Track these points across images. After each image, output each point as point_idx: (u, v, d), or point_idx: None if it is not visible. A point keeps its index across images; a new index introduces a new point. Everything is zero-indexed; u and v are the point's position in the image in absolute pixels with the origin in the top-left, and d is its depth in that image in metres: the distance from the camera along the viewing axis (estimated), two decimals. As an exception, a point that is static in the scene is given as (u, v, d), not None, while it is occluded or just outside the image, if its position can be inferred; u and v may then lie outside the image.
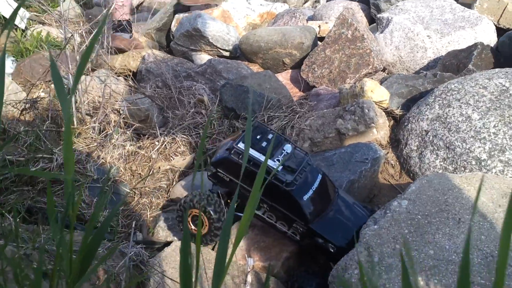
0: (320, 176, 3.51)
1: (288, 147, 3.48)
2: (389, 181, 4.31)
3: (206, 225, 3.54)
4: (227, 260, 1.23)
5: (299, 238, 3.51)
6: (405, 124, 4.50)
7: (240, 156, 3.41)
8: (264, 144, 3.41)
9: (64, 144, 1.20)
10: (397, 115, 4.73)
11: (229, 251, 1.30)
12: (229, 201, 3.67)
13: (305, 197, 3.34)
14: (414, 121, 4.41)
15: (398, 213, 3.14)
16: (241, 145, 3.44)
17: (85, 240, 1.25)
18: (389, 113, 4.74)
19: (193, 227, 3.61)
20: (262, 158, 3.36)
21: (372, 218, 3.29)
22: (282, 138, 3.57)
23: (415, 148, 4.29)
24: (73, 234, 1.28)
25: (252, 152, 3.37)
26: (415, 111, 4.49)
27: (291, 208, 3.37)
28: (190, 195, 3.60)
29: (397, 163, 4.42)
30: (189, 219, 3.63)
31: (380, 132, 4.49)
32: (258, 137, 3.46)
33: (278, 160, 3.38)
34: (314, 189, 3.40)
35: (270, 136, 3.49)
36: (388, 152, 4.48)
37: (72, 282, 1.23)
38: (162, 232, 3.91)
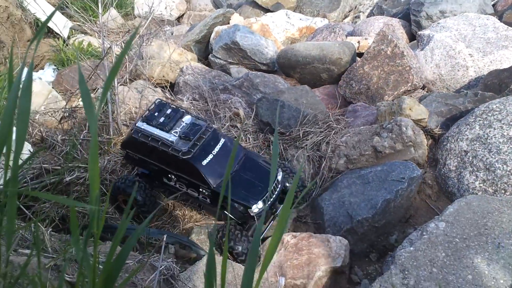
0: (222, 141, 3.80)
1: (187, 119, 3.78)
2: (426, 202, 4.21)
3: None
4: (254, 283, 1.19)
5: (210, 202, 3.77)
6: (444, 143, 4.40)
7: (140, 134, 3.70)
8: (162, 119, 3.72)
9: (90, 161, 1.18)
10: (435, 134, 4.63)
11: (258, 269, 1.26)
12: (158, 182, 3.96)
13: (204, 162, 3.62)
14: (453, 141, 4.31)
15: (435, 235, 3.05)
16: (139, 124, 3.74)
17: (109, 258, 1.22)
18: (427, 132, 4.64)
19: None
20: (159, 133, 3.66)
21: (408, 240, 3.21)
22: (182, 111, 3.84)
23: (454, 168, 4.19)
24: (97, 251, 1.26)
25: (151, 129, 3.68)
26: (454, 131, 4.39)
27: (193, 175, 3.65)
28: (119, 181, 3.92)
29: (435, 183, 4.32)
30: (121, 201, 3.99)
31: (418, 151, 4.40)
32: (156, 114, 3.76)
33: (176, 133, 3.66)
34: (214, 154, 3.68)
35: (168, 111, 3.78)
36: (425, 172, 4.38)
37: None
38: (193, 246, 3.89)
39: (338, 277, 3.71)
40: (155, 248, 3.32)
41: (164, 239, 3.07)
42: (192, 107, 5.24)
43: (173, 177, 3.77)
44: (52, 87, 6.23)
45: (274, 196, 3.77)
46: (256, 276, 1.21)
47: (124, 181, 3.88)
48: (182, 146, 3.60)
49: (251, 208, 3.62)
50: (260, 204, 3.64)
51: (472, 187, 4.01)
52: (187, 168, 3.63)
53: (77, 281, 1.30)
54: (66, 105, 5.55)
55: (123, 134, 4.66)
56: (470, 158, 4.10)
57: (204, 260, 3.36)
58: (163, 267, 2.92)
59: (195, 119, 3.80)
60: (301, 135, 4.79)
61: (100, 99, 1.52)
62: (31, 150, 4.14)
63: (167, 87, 6.01)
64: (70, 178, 3.97)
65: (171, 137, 3.63)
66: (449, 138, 4.38)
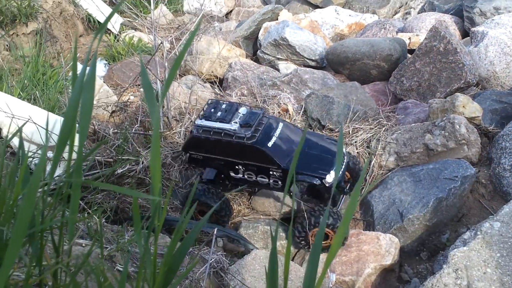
0: (281, 124, 3.84)
1: (243, 110, 3.82)
2: (479, 201, 4.11)
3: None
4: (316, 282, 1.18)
5: (281, 184, 3.77)
6: (499, 142, 4.29)
7: (201, 131, 3.75)
8: (219, 114, 3.77)
9: (152, 153, 1.19)
10: (490, 132, 4.52)
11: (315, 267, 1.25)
12: (225, 178, 3.96)
13: (270, 144, 3.66)
14: (508, 140, 4.19)
15: (489, 235, 2.98)
16: (198, 121, 3.78)
17: (170, 251, 1.23)
18: (481, 130, 4.53)
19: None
20: (220, 125, 3.69)
21: (461, 239, 3.14)
22: (236, 104, 3.90)
23: (509, 167, 4.07)
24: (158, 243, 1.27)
25: (211, 123, 3.72)
26: (510, 129, 4.28)
27: (261, 159, 3.69)
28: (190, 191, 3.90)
29: (489, 182, 4.21)
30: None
31: (471, 149, 4.31)
32: (212, 110, 3.81)
33: (236, 123, 3.69)
34: (277, 136, 3.73)
35: (223, 106, 3.84)
36: (479, 171, 4.28)
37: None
38: (242, 240, 3.90)
39: (387, 275, 3.67)
40: (205, 241, 3.35)
41: (215, 232, 3.09)
42: (241, 102, 5.25)
43: (240, 167, 3.81)
44: (103, 82, 6.35)
45: (342, 169, 3.79)
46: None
47: (198, 191, 3.86)
48: (244, 132, 3.65)
49: (325, 178, 3.61)
50: (333, 174, 3.63)
51: (528, 187, 3.91)
52: (254, 153, 3.68)
53: (139, 274, 1.32)
54: (118, 99, 5.65)
55: (174, 129, 4.71)
56: (526, 157, 3.99)
57: (253, 254, 3.37)
58: (213, 260, 2.94)
59: (250, 109, 3.87)
60: (350, 131, 4.75)
61: (162, 93, 1.54)
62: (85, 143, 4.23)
63: (215, 83, 6.04)
64: (122, 170, 4.03)
65: (233, 126, 3.68)
66: (504, 136, 4.27)
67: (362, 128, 4.78)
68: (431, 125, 4.44)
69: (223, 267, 3.00)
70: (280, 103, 5.24)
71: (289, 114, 5.06)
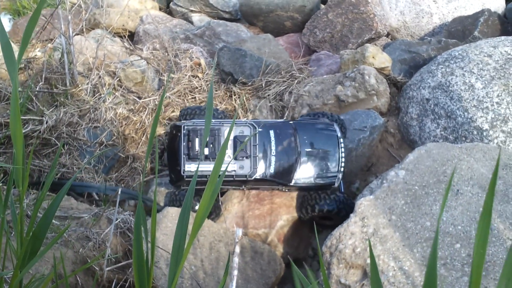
0: (272, 133, 3.46)
1: (224, 131, 3.36)
2: (388, 150, 4.21)
3: None
4: (185, 245, 1.14)
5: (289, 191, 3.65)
6: (407, 91, 4.38)
7: (191, 178, 3.17)
8: (204, 150, 3.31)
9: (12, 119, 1.09)
10: (399, 82, 4.60)
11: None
12: None
13: (272, 169, 3.39)
14: (415, 89, 4.28)
15: (395, 184, 3.05)
16: (187, 167, 3.32)
17: (34, 217, 1.15)
18: (390, 80, 4.60)
19: None
20: (211, 168, 3.20)
21: (369, 188, 3.20)
22: (215, 128, 3.37)
23: (416, 116, 4.17)
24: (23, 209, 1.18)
25: (200, 167, 3.28)
26: (417, 79, 4.37)
27: (266, 184, 3.49)
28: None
29: (397, 131, 4.31)
30: None
31: (381, 99, 4.37)
32: (195, 146, 3.33)
33: (229, 156, 3.31)
34: (275, 154, 3.40)
35: (200, 133, 3.34)
36: (388, 120, 4.36)
37: (21, 263, 1.13)
38: (148, 201, 3.83)
39: (299, 226, 3.72)
40: (110, 202, 3.25)
41: (119, 192, 3.00)
42: (152, 57, 5.09)
43: (243, 187, 3.61)
44: (8, 38, 5.99)
45: (343, 156, 3.52)
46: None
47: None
48: (244, 168, 3.33)
49: (334, 184, 3.49)
50: (340, 176, 3.48)
51: (434, 135, 4.02)
52: (257, 182, 3.45)
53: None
54: (21, 56, 5.35)
55: (79, 85, 4.51)
56: (432, 106, 4.09)
57: (164, 211, 3.31)
58: (119, 220, 2.86)
59: (235, 129, 3.39)
60: (263, 85, 4.71)
61: (20, 50, 1.41)
62: (-17, 103, 3.99)
63: (125, 37, 5.83)
64: (25, 130, 3.83)
65: (229, 165, 3.29)
66: (412, 86, 4.36)
67: (275, 81, 4.75)
68: (342, 77, 4.47)
69: (130, 227, 2.93)
70: (193, 57, 5.12)
71: (202, 68, 4.96)
